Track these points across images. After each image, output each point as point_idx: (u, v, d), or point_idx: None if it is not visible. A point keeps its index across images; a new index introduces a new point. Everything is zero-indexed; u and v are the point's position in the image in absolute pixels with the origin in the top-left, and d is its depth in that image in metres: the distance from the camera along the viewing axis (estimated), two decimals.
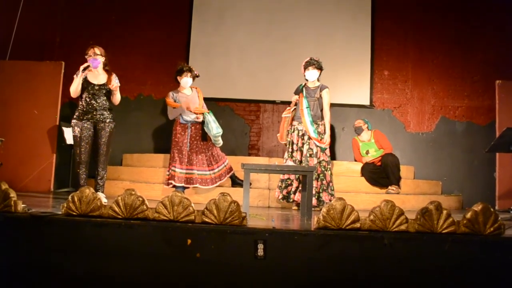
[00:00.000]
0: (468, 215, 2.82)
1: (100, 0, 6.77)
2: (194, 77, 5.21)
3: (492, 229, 2.81)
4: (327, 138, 4.89)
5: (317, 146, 4.86)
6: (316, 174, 4.77)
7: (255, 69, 6.69)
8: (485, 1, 6.63)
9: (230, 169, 5.21)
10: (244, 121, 6.73)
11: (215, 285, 2.75)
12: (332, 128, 5.09)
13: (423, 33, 6.69)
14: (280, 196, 4.96)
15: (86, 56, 4.41)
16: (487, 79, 6.44)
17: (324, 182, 4.82)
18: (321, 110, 4.97)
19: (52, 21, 6.64)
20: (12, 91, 5.93)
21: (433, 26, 6.68)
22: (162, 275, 2.76)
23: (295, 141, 4.96)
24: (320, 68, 5.00)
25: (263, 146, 6.71)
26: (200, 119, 5.07)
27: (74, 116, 4.39)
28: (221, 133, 5.13)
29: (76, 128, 4.36)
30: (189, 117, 5.05)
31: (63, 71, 6.00)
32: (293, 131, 5.00)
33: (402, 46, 6.71)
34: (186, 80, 5.12)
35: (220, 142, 5.18)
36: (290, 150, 4.99)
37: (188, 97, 5.15)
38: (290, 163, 4.78)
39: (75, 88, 4.35)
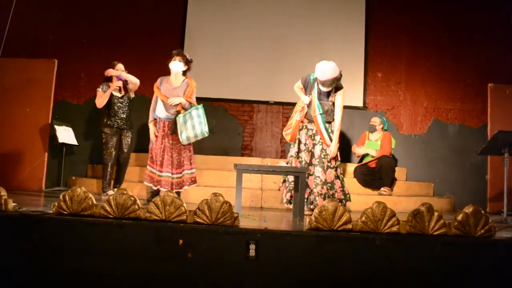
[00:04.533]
0: (459, 217, 2.84)
1: None
2: (187, 62, 4.64)
3: (482, 231, 2.83)
4: (333, 148, 4.48)
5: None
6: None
7: (249, 70, 6.68)
8: (478, 5, 6.67)
9: (194, 180, 4.66)
10: (237, 122, 6.72)
11: (206, 285, 2.75)
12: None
13: (416, 36, 6.71)
14: (285, 200, 4.70)
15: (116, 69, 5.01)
16: (480, 83, 6.48)
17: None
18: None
19: (45, 18, 6.57)
20: (4, 89, 5.88)
21: (426, 30, 6.70)
22: (153, 275, 2.75)
23: (303, 141, 4.59)
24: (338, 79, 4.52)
25: (256, 146, 6.70)
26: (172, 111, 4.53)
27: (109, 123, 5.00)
28: (205, 135, 4.58)
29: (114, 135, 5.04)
30: (161, 113, 4.61)
31: (56, 69, 5.97)
32: (301, 129, 4.62)
33: (395, 49, 6.73)
34: (174, 64, 4.57)
35: (189, 141, 4.56)
36: (296, 150, 4.60)
37: (172, 91, 4.59)
38: (283, 164, 4.69)
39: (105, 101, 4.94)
